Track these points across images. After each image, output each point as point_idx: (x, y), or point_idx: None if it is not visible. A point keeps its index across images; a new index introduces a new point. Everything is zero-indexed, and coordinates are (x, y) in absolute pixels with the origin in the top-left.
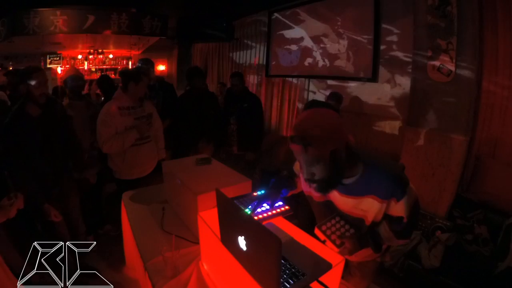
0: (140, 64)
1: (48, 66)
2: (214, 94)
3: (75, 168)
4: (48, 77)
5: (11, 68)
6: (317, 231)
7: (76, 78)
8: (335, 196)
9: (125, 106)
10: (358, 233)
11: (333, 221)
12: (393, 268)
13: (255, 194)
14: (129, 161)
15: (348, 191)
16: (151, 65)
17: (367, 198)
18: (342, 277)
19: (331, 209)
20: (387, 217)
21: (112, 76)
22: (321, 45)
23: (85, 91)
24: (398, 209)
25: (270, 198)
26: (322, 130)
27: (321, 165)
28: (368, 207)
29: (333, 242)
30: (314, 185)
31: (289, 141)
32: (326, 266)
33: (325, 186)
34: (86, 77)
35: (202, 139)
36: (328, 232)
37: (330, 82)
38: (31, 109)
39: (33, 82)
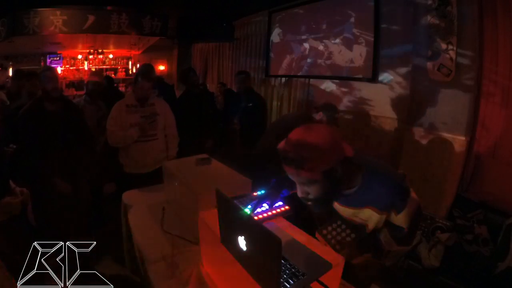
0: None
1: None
2: (213, 94)
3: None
4: None
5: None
6: (317, 236)
7: (97, 83)
8: (334, 205)
9: (133, 104)
10: (359, 238)
11: (334, 225)
12: (393, 268)
13: (255, 194)
14: (132, 156)
15: (347, 202)
16: (150, 68)
17: (366, 209)
18: (343, 278)
19: (331, 212)
20: (387, 223)
21: (112, 75)
22: (321, 45)
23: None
24: (399, 220)
25: (270, 198)
26: (314, 152)
27: (316, 186)
28: (367, 217)
29: (333, 247)
30: (310, 203)
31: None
32: (326, 266)
33: (321, 204)
34: (85, 77)
35: (202, 139)
36: (329, 237)
37: (330, 82)
38: (47, 104)
39: (44, 79)
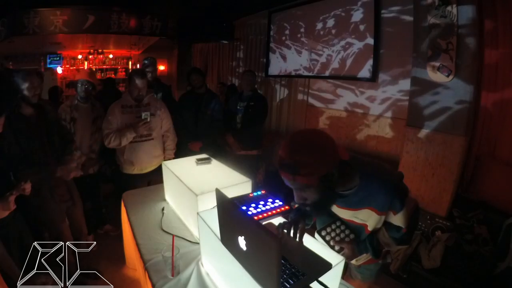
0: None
1: (48, 66)
2: (215, 94)
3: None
4: (49, 77)
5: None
6: (316, 237)
7: (84, 82)
8: (333, 207)
9: (128, 104)
10: (358, 239)
11: (333, 226)
12: (398, 271)
13: (251, 195)
14: (127, 156)
15: (346, 204)
16: (152, 63)
17: (365, 209)
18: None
19: (330, 213)
20: (386, 223)
21: (112, 76)
22: (321, 45)
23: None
24: (397, 220)
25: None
26: (311, 157)
27: (312, 191)
28: (367, 217)
29: (332, 248)
30: (308, 208)
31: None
32: (326, 266)
33: (319, 209)
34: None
35: (202, 139)
36: (328, 238)
37: (330, 82)
38: (25, 110)
39: (27, 85)
